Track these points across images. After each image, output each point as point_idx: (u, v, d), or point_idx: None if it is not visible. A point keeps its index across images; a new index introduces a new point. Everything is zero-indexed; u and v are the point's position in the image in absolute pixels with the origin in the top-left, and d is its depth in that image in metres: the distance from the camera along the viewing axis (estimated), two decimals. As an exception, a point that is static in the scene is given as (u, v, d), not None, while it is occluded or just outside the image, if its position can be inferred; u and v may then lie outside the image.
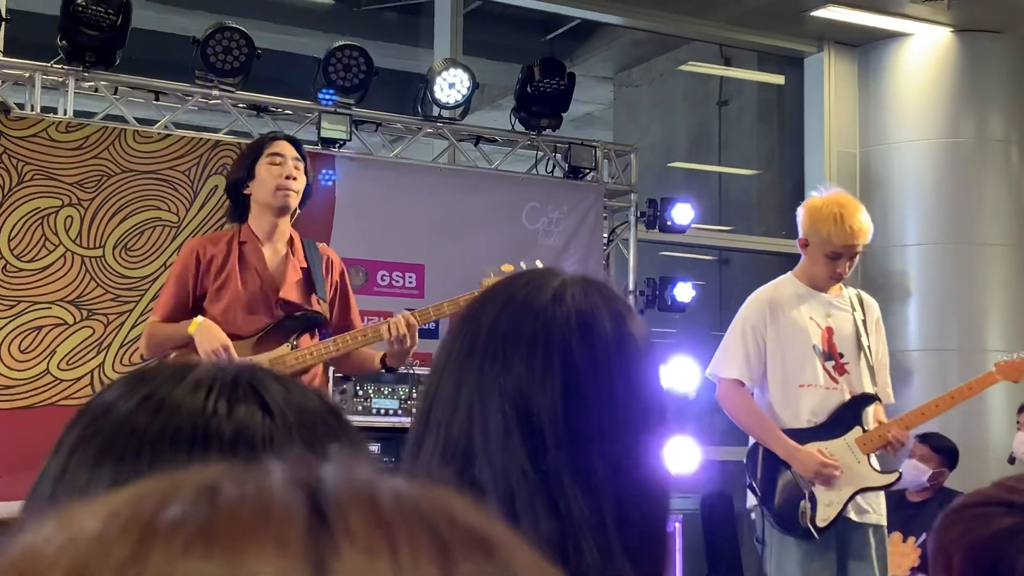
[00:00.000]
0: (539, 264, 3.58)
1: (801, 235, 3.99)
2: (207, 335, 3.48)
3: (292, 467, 0.36)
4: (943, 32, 7.29)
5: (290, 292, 3.66)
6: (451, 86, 5.87)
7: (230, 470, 0.36)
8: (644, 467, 1.05)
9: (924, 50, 7.34)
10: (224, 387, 0.81)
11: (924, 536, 5.31)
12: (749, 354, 3.95)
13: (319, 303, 3.69)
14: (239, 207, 3.73)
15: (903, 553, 5.31)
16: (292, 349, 3.61)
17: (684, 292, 6.48)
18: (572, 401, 1.04)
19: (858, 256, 4.00)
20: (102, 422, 0.81)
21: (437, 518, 0.35)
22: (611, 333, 1.08)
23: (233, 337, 3.58)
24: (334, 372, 4.76)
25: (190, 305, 3.65)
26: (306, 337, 3.69)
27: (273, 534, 0.33)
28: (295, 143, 3.75)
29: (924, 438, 5.57)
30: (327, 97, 5.58)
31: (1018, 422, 5.31)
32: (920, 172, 7.30)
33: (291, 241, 3.73)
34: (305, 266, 3.71)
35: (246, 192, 3.69)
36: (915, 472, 5.43)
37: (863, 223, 3.91)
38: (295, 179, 3.62)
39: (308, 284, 3.70)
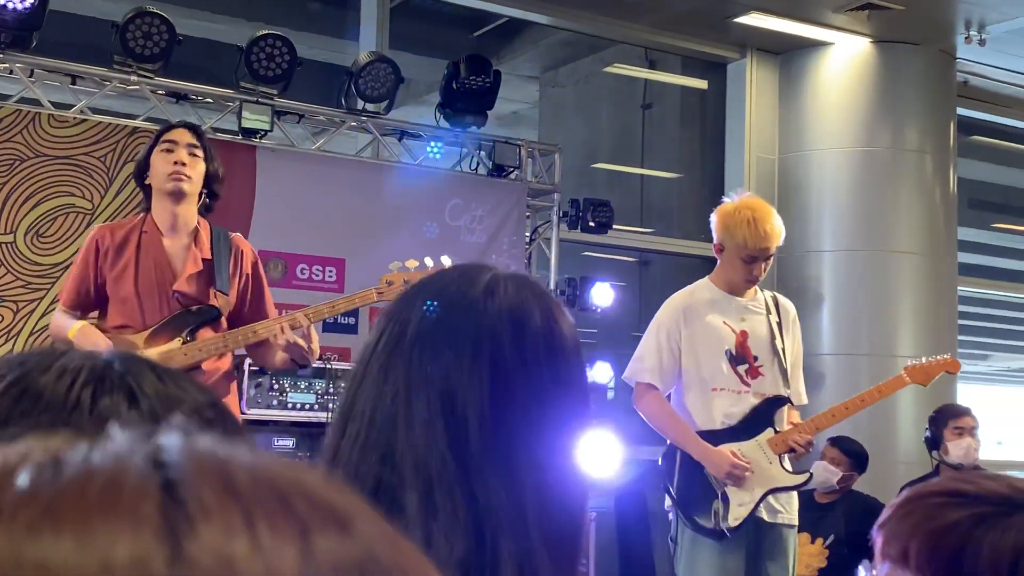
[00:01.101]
0: (445, 261, 3.56)
1: (716, 240, 4.07)
2: (87, 341, 3.43)
3: (138, 438, 0.35)
4: (863, 42, 7.42)
5: (186, 284, 3.59)
6: (376, 79, 5.80)
7: (73, 441, 0.34)
8: (566, 462, 1.06)
9: (844, 59, 7.47)
10: (91, 377, 0.79)
11: (832, 537, 5.41)
12: (663, 359, 4.02)
13: (216, 296, 3.62)
14: (146, 197, 3.68)
15: (811, 554, 5.39)
16: (183, 344, 3.55)
17: (602, 293, 6.52)
18: (499, 394, 1.05)
19: (772, 259, 4.07)
20: None
21: (293, 493, 0.34)
22: (541, 329, 1.10)
23: (127, 329, 3.52)
24: (250, 366, 4.70)
25: (92, 292, 3.59)
26: (206, 331, 3.61)
27: (125, 511, 0.32)
28: (194, 129, 3.68)
29: (835, 441, 5.67)
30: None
31: (958, 428, 5.42)
32: (837, 179, 7.42)
33: (196, 231, 3.65)
34: (208, 258, 3.63)
35: (147, 182, 3.64)
36: (825, 474, 5.52)
37: (776, 226, 4.00)
38: (186, 164, 3.56)
39: (208, 276, 3.63)
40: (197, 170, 3.59)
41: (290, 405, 4.95)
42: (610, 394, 8.06)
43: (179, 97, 5.61)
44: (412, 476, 1.00)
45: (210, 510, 0.32)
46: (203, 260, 3.63)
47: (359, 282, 5.57)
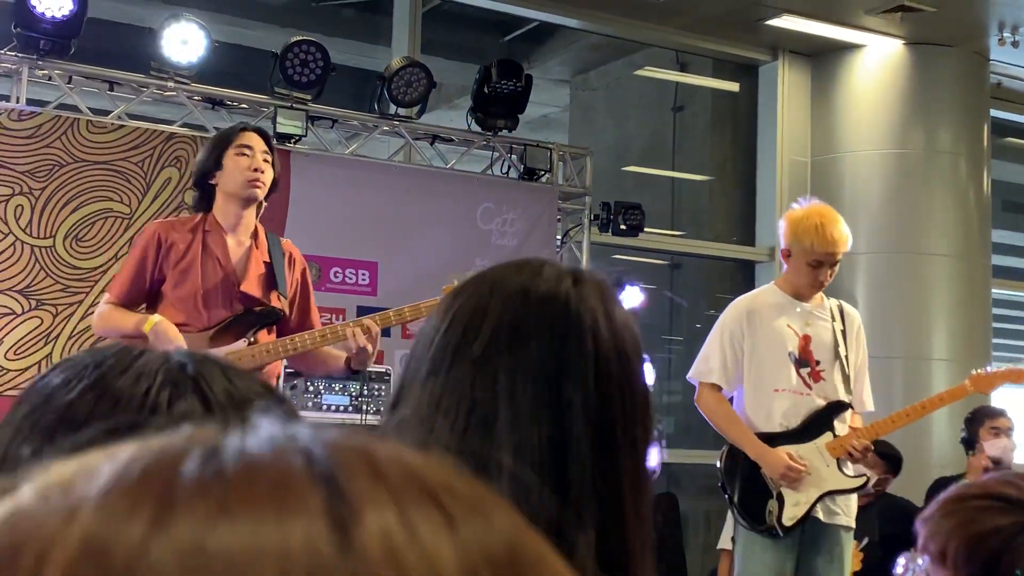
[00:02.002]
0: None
1: (783, 245, 4.14)
2: (163, 337, 3.42)
3: (281, 428, 0.36)
4: (895, 44, 7.39)
5: (251, 286, 3.61)
6: (408, 84, 5.84)
7: (226, 431, 0.36)
8: (648, 442, 1.10)
9: (876, 61, 7.45)
10: (167, 381, 0.81)
11: (867, 540, 5.39)
12: (727, 360, 4.10)
13: (279, 299, 3.65)
14: (205, 196, 3.68)
15: None
16: (249, 345, 3.58)
17: (633, 296, 6.53)
18: (600, 378, 1.08)
19: (838, 265, 4.11)
20: (45, 408, 0.81)
21: (436, 484, 0.36)
22: (626, 315, 1.14)
23: (190, 328, 3.53)
24: (285, 368, 4.75)
25: (147, 289, 3.58)
26: (263, 333, 3.64)
27: (294, 498, 0.33)
28: (264, 135, 3.72)
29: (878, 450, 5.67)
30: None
31: (994, 428, 5.42)
32: (869, 182, 7.40)
33: (255, 234, 3.68)
34: (268, 260, 3.66)
35: (212, 182, 3.65)
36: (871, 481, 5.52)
37: (843, 232, 4.07)
38: (263, 171, 3.60)
39: (270, 279, 3.64)
40: (268, 177, 3.62)
41: (325, 407, 4.98)
42: (664, 397, 8.04)
43: (214, 103, 5.67)
44: (512, 460, 1.02)
45: (367, 499, 0.34)
46: (264, 263, 3.66)
47: (392, 285, 5.61)
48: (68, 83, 5.31)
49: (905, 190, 7.32)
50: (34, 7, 4.94)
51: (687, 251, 7.80)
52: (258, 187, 3.58)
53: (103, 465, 0.34)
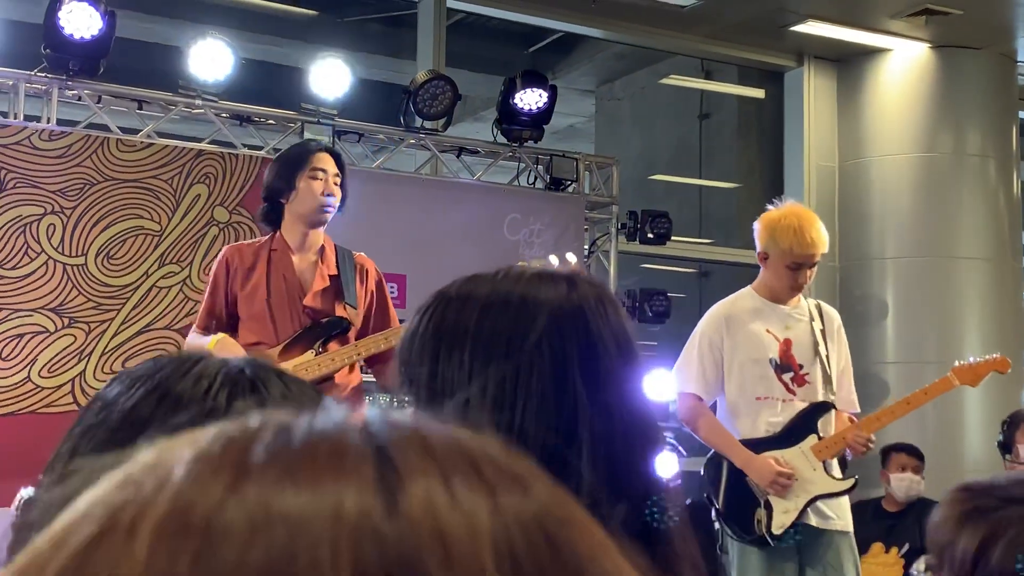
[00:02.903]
0: (571, 258, 3.62)
1: (760, 248, 4.08)
2: (225, 352, 3.48)
3: (348, 412, 0.41)
4: (921, 48, 7.36)
5: (315, 299, 3.66)
6: (433, 97, 5.87)
7: (297, 414, 0.41)
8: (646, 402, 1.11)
9: (902, 65, 7.42)
10: (226, 382, 0.84)
11: (907, 546, 5.35)
12: (706, 368, 4.03)
13: (345, 309, 3.68)
14: (274, 214, 3.72)
15: (887, 563, 5.33)
16: (316, 355, 3.61)
17: (662, 304, 6.53)
18: (601, 370, 1.11)
19: (816, 266, 4.07)
20: (109, 411, 0.84)
21: (480, 457, 0.39)
22: (618, 307, 1.19)
23: (260, 345, 3.58)
24: (376, 387, 4.73)
25: (224, 313, 3.66)
26: (334, 344, 3.66)
27: (350, 470, 0.37)
28: (336, 156, 3.76)
29: (901, 448, 5.62)
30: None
31: None
32: (898, 186, 7.36)
33: (322, 249, 3.73)
34: (335, 273, 3.69)
35: (283, 201, 3.69)
36: (910, 485, 5.47)
37: (821, 233, 4.01)
38: (334, 196, 3.64)
39: (335, 291, 3.68)
40: (338, 199, 3.69)
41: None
42: (672, 406, 8.05)
43: (242, 119, 5.72)
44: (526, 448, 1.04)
45: (414, 470, 0.38)
46: (330, 276, 3.70)
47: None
48: (97, 103, 5.37)
49: (934, 194, 7.28)
50: (63, 28, 5.00)
51: (716, 259, 7.78)
52: (328, 211, 3.64)
53: (193, 442, 0.40)
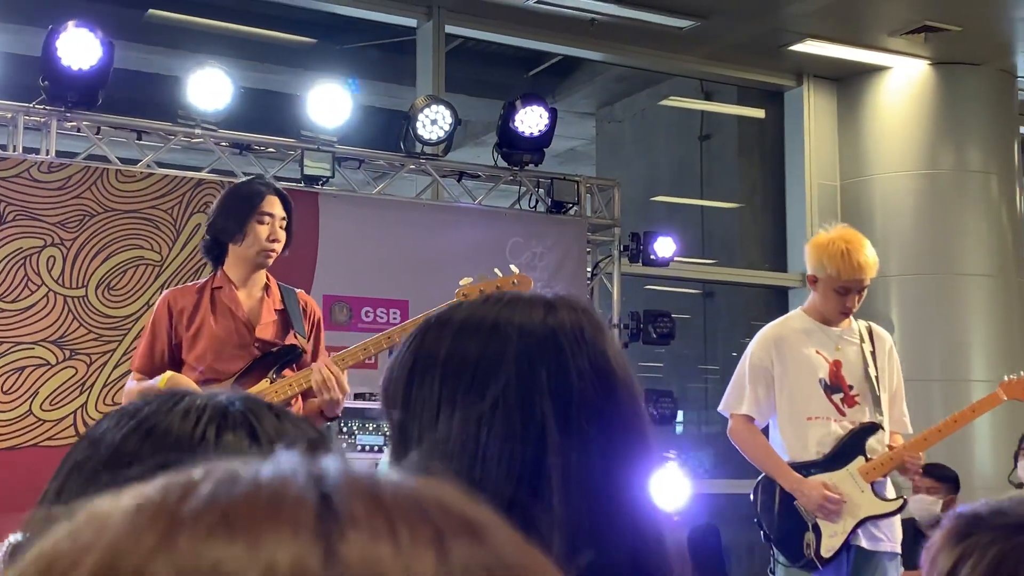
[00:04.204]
0: (515, 270, 3.60)
1: (809, 271, 4.08)
2: (178, 388, 3.47)
3: (299, 460, 0.40)
4: (921, 65, 7.36)
5: (266, 331, 3.66)
6: (433, 122, 5.90)
7: (245, 462, 0.40)
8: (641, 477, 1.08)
9: (902, 83, 7.41)
10: (215, 415, 0.82)
11: None
12: (757, 390, 4.03)
13: (296, 337, 3.68)
14: (217, 252, 3.72)
15: None
16: (270, 383, 3.60)
17: (665, 246, 6.51)
18: (574, 407, 1.07)
19: (866, 290, 4.06)
20: (96, 448, 0.82)
21: (432, 506, 0.38)
22: (601, 335, 1.13)
23: (213, 382, 3.57)
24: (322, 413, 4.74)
25: (166, 356, 3.65)
26: (288, 372, 3.67)
27: (287, 519, 0.36)
28: (284, 200, 3.73)
29: (927, 470, 5.58)
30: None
31: None
32: (900, 203, 7.35)
33: (267, 285, 3.74)
34: (281, 307, 3.71)
35: (227, 241, 3.68)
36: (926, 506, 5.42)
37: (869, 257, 3.99)
38: (278, 240, 3.65)
39: (285, 323, 3.70)
40: (282, 243, 3.68)
41: (359, 447, 4.98)
42: (679, 428, 8.02)
43: (242, 148, 5.71)
44: (492, 496, 1.01)
45: (358, 518, 0.37)
46: (276, 310, 3.70)
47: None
48: (96, 134, 5.36)
49: (936, 211, 7.26)
50: (61, 59, 5.00)
51: (719, 279, 7.76)
52: (271, 255, 3.65)
53: (136, 492, 0.39)
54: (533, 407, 1.05)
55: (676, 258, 6.68)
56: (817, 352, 4.04)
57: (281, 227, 3.66)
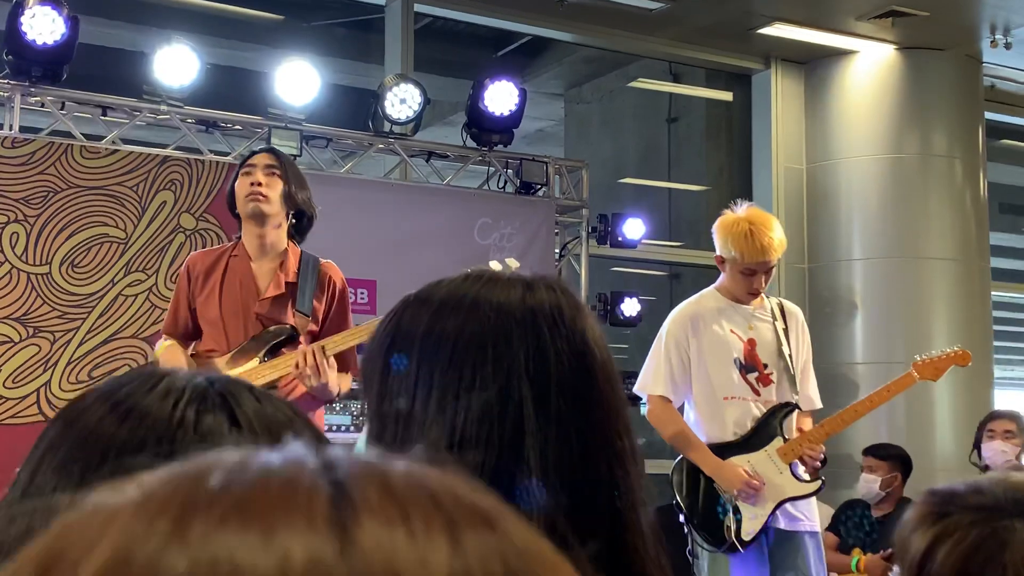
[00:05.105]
0: (512, 264, 3.54)
1: (717, 252, 4.02)
2: (169, 361, 3.49)
3: (309, 448, 0.40)
4: (887, 49, 7.40)
5: (265, 306, 3.61)
6: (402, 101, 5.88)
7: (257, 449, 0.40)
8: (625, 459, 1.08)
9: (869, 67, 7.45)
10: (194, 397, 0.81)
11: (891, 550, 5.34)
12: (673, 370, 3.98)
13: (295, 317, 3.64)
14: (239, 225, 3.72)
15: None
16: (261, 363, 3.57)
17: (632, 307, 6.53)
18: (552, 380, 1.07)
19: (773, 270, 4.03)
20: (72, 428, 0.81)
21: (443, 494, 0.38)
22: (579, 312, 1.13)
23: (216, 353, 3.56)
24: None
25: (188, 320, 3.65)
26: (284, 351, 3.62)
27: (301, 508, 0.36)
28: (274, 152, 3.73)
29: (867, 450, 5.64)
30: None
31: (990, 431, 5.36)
32: (865, 187, 7.40)
33: (285, 255, 3.67)
34: (293, 281, 3.65)
35: (236, 211, 3.68)
36: (866, 485, 5.48)
37: (773, 239, 3.91)
38: (262, 184, 3.58)
39: (290, 298, 3.64)
40: (275, 190, 3.59)
41: (326, 427, 4.97)
42: (643, 409, 8.05)
43: (208, 125, 5.67)
44: (469, 475, 1.01)
45: (373, 507, 0.37)
46: (287, 283, 3.64)
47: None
48: (61, 109, 5.31)
49: (901, 195, 7.32)
50: (25, 34, 4.94)
51: (685, 261, 7.79)
52: (258, 200, 3.57)
53: (142, 482, 0.38)
54: (511, 387, 1.05)
55: (643, 240, 6.70)
56: (731, 331, 3.99)
57: (270, 174, 3.59)
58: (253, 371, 3.51)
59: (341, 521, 0.36)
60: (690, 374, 3.98)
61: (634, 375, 6.38)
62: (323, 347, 3.52)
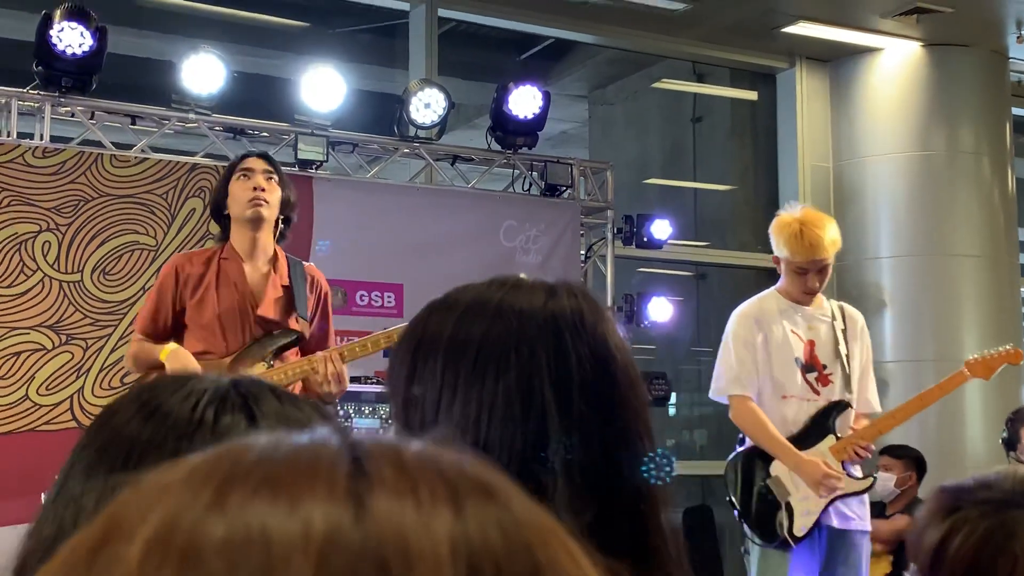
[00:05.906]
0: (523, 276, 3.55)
1: (773, 253, 4.07)
2: (178, 364, 3.49)
3: (335, 432, 0.45)
4: (913, 46, 7.37)
5: (268, 310, 3.64)
6: (427, 106, 5.91)
7: (288, 433, 0.45)
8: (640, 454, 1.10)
9: (894, 65, 7.43)
10: (215, 397, 0.84)
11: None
12: (746, 367, 4.03)
13: (298, 321, 3.67)
14: (223, 227, 3.74)
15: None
16: (268, 368, 3.60)
17: (659, 308, 6.52)
18: (575, 383, 1.09)
19: (829, 269, 4.05)
20: (102, 431, 0.84)
21: (449, 469, 0.43)
22: (607, 332, 1.15)
23: (211, 356, 3.57)
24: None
25: (169, 321, 3.64)
26: (287, 355, 3.67)
27: (323, 481, 0.41)
28: (267, 158, 3.76)
29: (884, 450, 5.65)
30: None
31: None
32: (892, 185, 7.37)
33: (274, 259, 3.70)
34: (287, 284, 3.69)
35: (226, 213, 3.70)
36: (882, 483, 5.49)
37: (823, 236, 3.97)
38: (264, 190, 3.62)
39: (288, 302, 3.68)
40: (275, 195, 3.64)
41: (355, 431, 5.00)
42: (672, 410, 8.06)
43: (235, 132, 5.71)
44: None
45: (386, 480, 0.41)
46: (282, 287, 3.68)
47: (418, 306, 5.61)
48: (91, 119, 5.37)
49: (929, 192, 7.29)
50: (55, 45, 5.00)
51: (711, 261, 7.78)
52: (259, 205, 3.61)
53: (191, 461, 0.43)
54: (533, 391, 1.07)
55: (669, 241, 6.70)
56: (792, 331, 4.05)
57: (269, 179, 3.64)
58: (262, 375, 3.52)
59: (358, 493, 0.40)
60: (759, 370, 4.03)
61: (660, 376, 6.40)
62: (341, 354, 3.55)
